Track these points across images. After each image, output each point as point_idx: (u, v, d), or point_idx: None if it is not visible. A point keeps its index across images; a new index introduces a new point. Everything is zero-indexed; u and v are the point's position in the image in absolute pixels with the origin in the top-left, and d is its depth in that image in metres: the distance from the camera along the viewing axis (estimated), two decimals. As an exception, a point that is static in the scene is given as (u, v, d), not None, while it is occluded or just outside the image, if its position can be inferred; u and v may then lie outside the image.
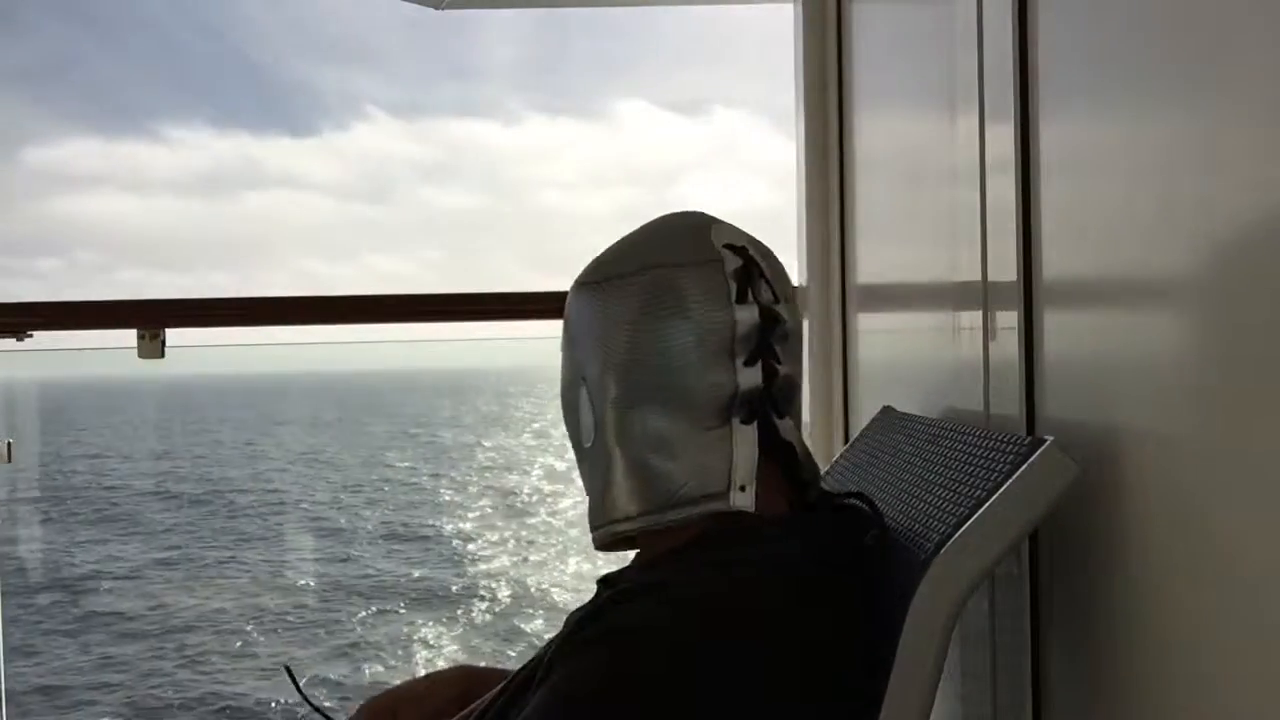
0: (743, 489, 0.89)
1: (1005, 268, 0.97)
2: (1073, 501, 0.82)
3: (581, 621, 0.86)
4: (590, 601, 0.91)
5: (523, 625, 12.69)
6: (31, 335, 1.63)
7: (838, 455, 1.30)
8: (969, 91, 1.04)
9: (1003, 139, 0.97)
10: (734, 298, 0.91)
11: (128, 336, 1.60)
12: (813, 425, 1.64)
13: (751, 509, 0.89)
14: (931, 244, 1.19)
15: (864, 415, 1.39)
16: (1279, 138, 0.61)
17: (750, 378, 0.90)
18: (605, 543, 0.95)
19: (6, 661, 1.71)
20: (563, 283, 1.03)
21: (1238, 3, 0.65)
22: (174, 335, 1.62)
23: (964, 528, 0.82)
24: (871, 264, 1.52)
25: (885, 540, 0.91)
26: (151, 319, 1.61)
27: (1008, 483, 0.82)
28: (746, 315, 0.91)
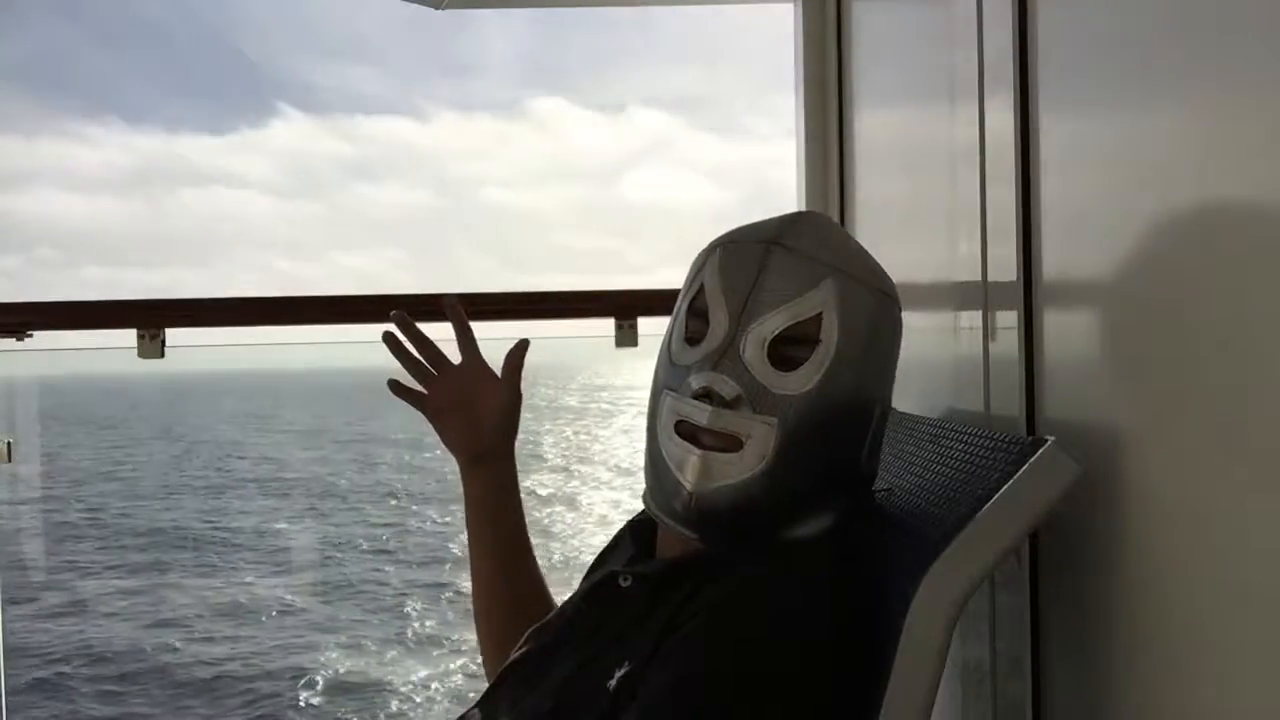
0: None
1: (1005, 268, 0.97)
2: (1073, 501, 0.82)
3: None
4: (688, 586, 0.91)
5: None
6: (31, 335, 1.63)
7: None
8: (968, 91, 1.04)
9: (1003, 138, 0.97)
10: None
11: (128, 336, 1.60)
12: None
13: None
14: (931, 243, 1.19)
15: (864, 415, 1.38)
16: None
17: None
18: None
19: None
20: (543, 282, 1.02)
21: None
22: (173, 335, 1.62)
23: (964, 528, 0.81)
24: (871, 263, 1.52)
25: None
26: (151, 319, 1.61)
27: (1008, 483, 0.82)
28: None
